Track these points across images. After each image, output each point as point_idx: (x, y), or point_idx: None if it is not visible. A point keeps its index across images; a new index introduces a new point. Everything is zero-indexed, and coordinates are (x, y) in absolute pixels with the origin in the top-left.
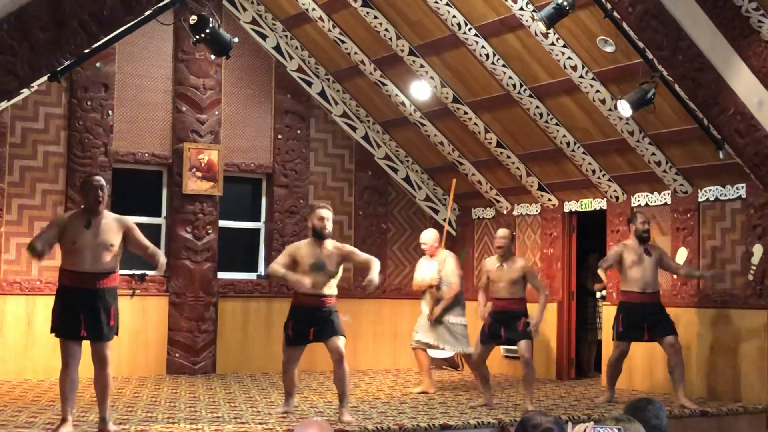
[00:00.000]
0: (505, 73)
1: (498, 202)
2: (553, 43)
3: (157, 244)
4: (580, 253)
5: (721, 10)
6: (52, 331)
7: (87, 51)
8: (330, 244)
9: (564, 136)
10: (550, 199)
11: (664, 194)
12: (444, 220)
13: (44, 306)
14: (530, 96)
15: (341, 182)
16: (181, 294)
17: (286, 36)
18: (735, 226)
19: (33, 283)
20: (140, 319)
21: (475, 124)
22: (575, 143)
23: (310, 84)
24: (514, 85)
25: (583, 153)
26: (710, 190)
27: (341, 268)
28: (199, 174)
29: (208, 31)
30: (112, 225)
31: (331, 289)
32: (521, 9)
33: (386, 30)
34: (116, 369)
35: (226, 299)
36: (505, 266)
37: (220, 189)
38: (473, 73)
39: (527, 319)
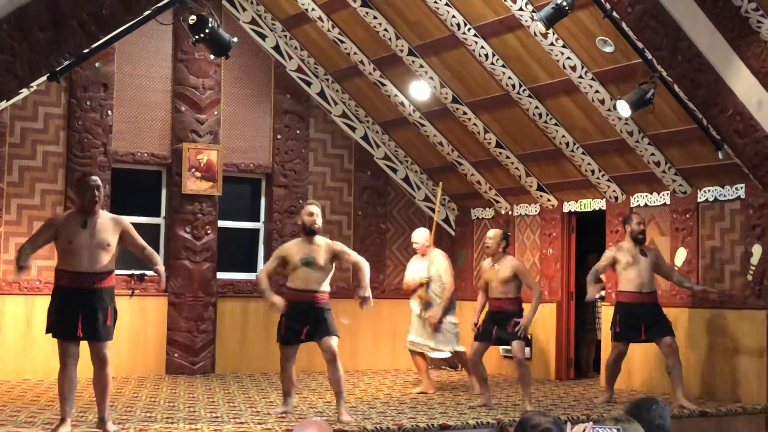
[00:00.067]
0: (504, 73)
1: (497, 202)
2: (552, 44)
3: (157, 244)
4: (579, 254)
5: (720, 10)
6: (47, 332)
7: (86, 51)
8: (320, 240)
9: (563, 136)
10: (549, 200)
11: (663, 194)
12: (434, 222)
13: (43, 306)
14: (529, 96)
15: (340, 182)
16: (180, 294)
17: (286, 36)
18: (734, 227)
19: (32, 283)
20: (139, 319)
21: (475, 124)
22: (574, 143)
23: (309, 84)
24: (514, 86)
25: (583, 153)
26: (709, 191)
27: (333, 265)
28: (198, 174)
29: (207, 31)
30: (108, 225)
31: (323, 285)
32: (521, 9)
33: (385, 30)
34: (115, 369)
35: (225, 299)
36: (497, 266)
37: (219, 189)
38: (472, 74)
39: (519, 319)
